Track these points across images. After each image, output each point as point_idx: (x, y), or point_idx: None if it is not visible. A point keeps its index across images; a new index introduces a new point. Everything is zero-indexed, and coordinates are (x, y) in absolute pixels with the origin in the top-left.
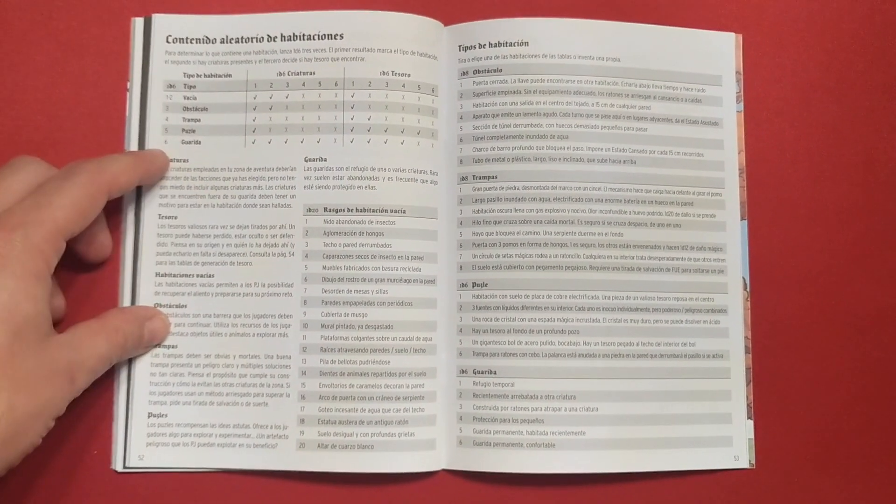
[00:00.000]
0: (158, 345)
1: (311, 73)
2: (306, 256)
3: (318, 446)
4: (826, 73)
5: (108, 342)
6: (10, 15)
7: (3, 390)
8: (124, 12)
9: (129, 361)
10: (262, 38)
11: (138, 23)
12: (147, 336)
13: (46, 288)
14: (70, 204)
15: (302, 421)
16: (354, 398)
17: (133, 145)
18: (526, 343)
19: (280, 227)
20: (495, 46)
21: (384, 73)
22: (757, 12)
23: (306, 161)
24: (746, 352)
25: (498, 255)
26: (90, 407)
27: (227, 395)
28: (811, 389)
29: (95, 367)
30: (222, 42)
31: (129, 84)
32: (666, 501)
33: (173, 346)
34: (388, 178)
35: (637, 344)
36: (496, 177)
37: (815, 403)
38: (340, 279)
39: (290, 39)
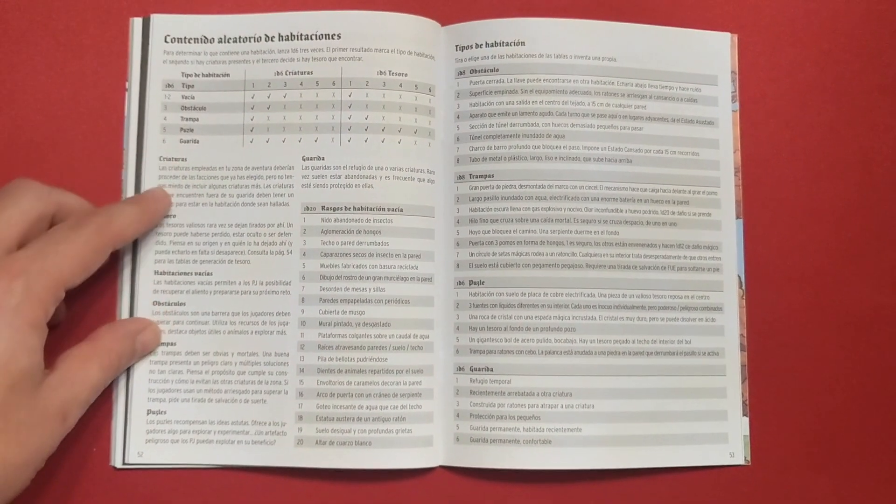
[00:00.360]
0: (150, 353)
1: (308, 73)
2: (304, 254)
3: (316, 443)
4: (822, 72)
5: (100, 368)
6: (9, 15)
7: None
8: (123, 12)
9: None
10: (260, 37)
11: (137, 23)
12: (139, 349)
13: (42, 337)
14: (75, 255)
15: (300, 418)
16: (352, 395)
17: (132, 145)
18: (522, 340)
19: (278, 226)
20: (492, 46)
21: (381, 73)
22: (753, 12)
23: (304, 160)
24: (742, 349)
25: (495, 254)
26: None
27: (226, 392)
28: (806, 387)
29: (89, 399)
30: (220, 42)
31: (127, 84)
32: (662, 498)
33: (172, 344)
34: (386, 177)
35: (633, 341)
36: (493, 175)
37: (810, 401)
38: (338, 277)
39: (288, 39)
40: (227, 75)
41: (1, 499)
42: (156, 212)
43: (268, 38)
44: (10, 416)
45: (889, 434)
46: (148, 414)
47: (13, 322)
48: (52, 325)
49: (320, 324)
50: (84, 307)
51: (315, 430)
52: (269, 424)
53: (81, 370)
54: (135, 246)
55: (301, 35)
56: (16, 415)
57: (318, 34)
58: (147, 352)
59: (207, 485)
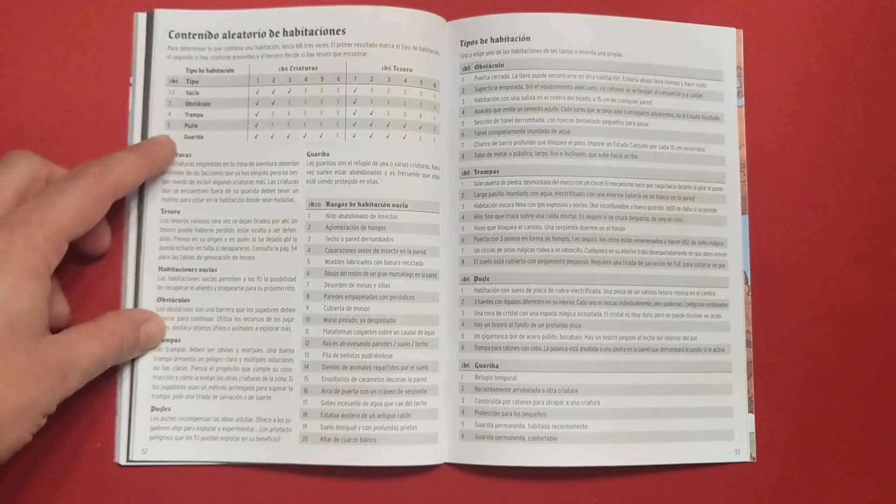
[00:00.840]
0: (154, 348)
1: (313, 69)
2: (309, 251)
3: (321, 439)
4: (826, 68)
5: (103, 344)
6: (13, 10)
7: None
8: (126, 7)
9: None
10: (265, 32)
11: (141, 18)
12: (143, 339)
13: (44, 286)
14: (74, 206)
15: (305, 414)
16: (357, 391)
17: (136, 140)
18: (528, 337)
19: (283, 222)
20: (497, 41)
21: (386, 68)
22: (758, 8)
23: (309, 156)
24: (747, 346)
25: (500, 250)
26: (93, 400)
27: (231, 388)
28: (812, 383)
29: (89, 368)
30: (224, 37)
31: (131, 79)
32: (667, 495)
33: (176, 341)
34: (391, 173)
35: (638, 338)
36: (498, 171)
37: (815, 397)
38: (343, 273)
39: (293, 34)
40: (232, 70)
41: (0, 444)
42: (159, 156)
43: (272, 34)
44: (9, 356)
45: (894, 429)
46: (152, 411)
47: (14, 269)
48: (56, 329)
49: (325, 320)
50: (89, 303)
51: (320, 426)
52: (274, 421)
53: (84, 340)
54: (139, 241)
55: (305, 30)
56: (14, 358)
57: (322, 29)
58: (151, 345)
59: (212, 482)
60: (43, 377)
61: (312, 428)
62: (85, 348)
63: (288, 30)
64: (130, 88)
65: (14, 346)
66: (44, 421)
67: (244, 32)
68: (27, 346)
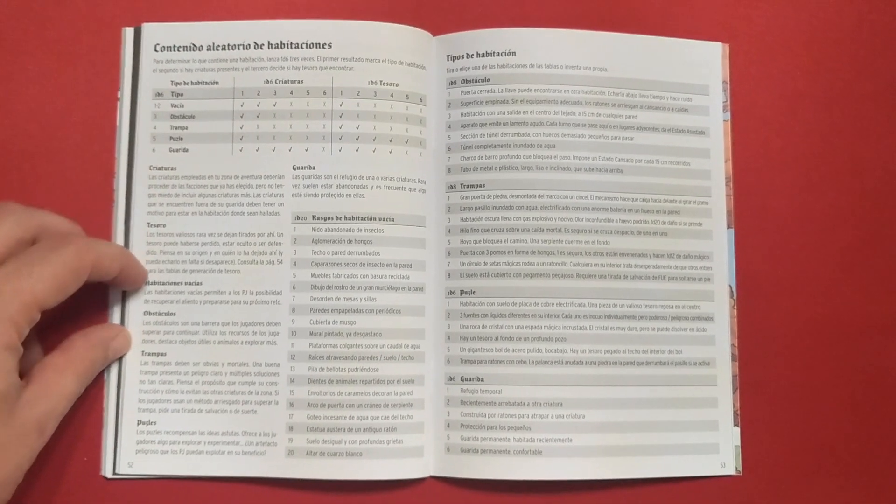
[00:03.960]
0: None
1: (299, 82)
2: (294, 264)
3: (307, 453)
4: (813, 82)
5: (75, 377)
6: (3, 25)
7: None
8: (115, 22)
9: (119, 369)
10: (249, 45)
11: (129, 32)
12: (111, 356)
13: (16, 356)
14: (51, 277)
15: (290, 428)
16: (343, 405)
17: (123, 154)
18: (513, 350)
19: (268, 235)
20: (483, 56)
21: (373, 83)
22: (744, 22)
23: (294, 169)
24: (733, 359)
25: (486, 263)
26: (79, 414)
27: (216, 402)
28: (798, 397)
29: (65, 409)
30: (209, 49)
31: (119, 93)
32: None
33: (162, 354)
34: (377, 187)
35: (624, 351)
36: (484, 185)
37: (801, 411)
38: (329, 287)
39: (278, 47)
40: (216, 83)
41: None
42: (136, 264)
43: (257, 46)
44: None
45: (881, 444)
46: (138, 424)
47: None
48: (22, 372)
49: (311, 334)
50: (75, 317)
51: (306, 440)
52: (260, 435)
53: (57, 382)
54: None
55: (291, 43)
56: None
57: (308, 43)
58: (118, 356)
59: (197, 496)
60: (22, 443)
61: (298, 442)
62: (59, 392)
63: (273, 42)
64: (118, 103)
65: None
66: (22, 478)
67: (229, 45)
68: (4, 420)
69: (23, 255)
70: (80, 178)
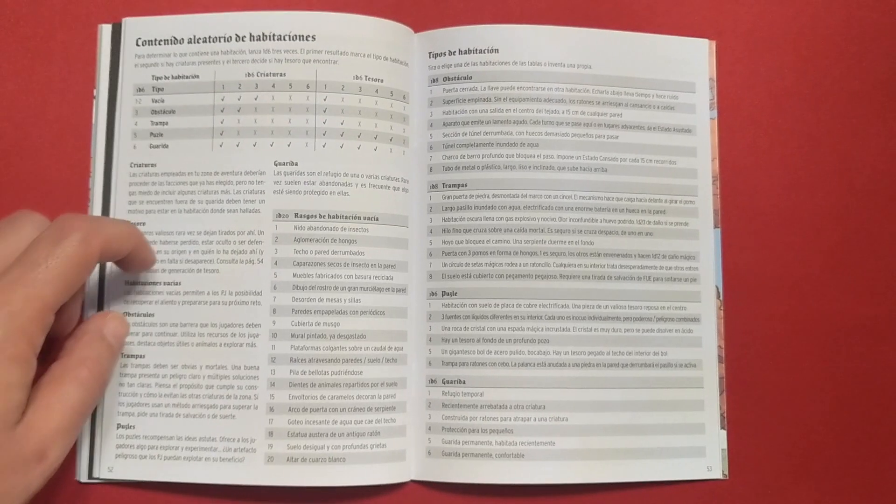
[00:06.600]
0: (122, 347)
1: (281, 75)
2: (276, 264)
3: (288, 460)
4: (800, 79)
5: (77, 383)
6: None
7: None
8: (91, 19)
9: None
10: (230, 37)
11: (105, 29)
12: (114, 343)
13: (26, 371)
14: (59, 275)
15: (270, 434)
16: (325, 410)
17: (100, 152)
18: (495, 352)
19: (248, 234)
20: (465, 53)
21: (358, 78)
22: (731, 19)
23: (276, 165)
24: (720, 361)
25: (468, 264)
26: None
27: (194, 406)
28: (785, 399)
29: (73, 423)
30: (190, 42)
31: (95, 91)
32: None
33: (141, 357)
34: (362, 185)
35: (608, 353)
36: (466, 185)
37: (788, 413)
38: (312, 287)
39: (260, 39)
40: (197, 77)
41: None
42: (146, 246)
43: (238, 38)
44: None
45: (868, 446)
46: (118, 428)
47: None
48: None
49: (292, 336)
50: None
51: (286, 446)
52: (238, 441)
53: (55, 395)
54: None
55: (273, 35)
56: None
57: (291, 35)
58: (121, 341)
59: (174, 502)
60: (18, 472)
61: (278, 448)
62: (59, 405)
63: (255, 34)
64: (94, 101)
65: None
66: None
67: (209, 37)
68: (2, 443)
69: (24, 254)
70: (54, 178)
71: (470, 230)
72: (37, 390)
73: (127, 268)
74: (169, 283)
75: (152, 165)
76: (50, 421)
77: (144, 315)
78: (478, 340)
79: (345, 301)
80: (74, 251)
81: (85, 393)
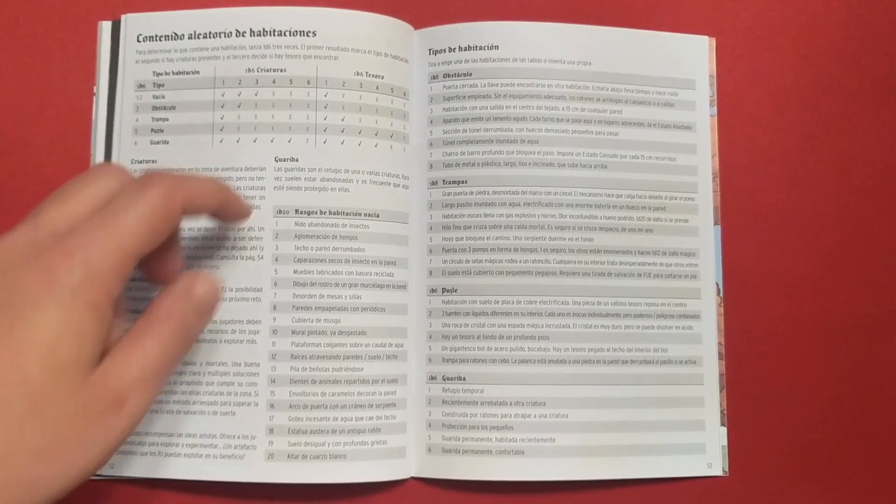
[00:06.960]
0: (212, 310)
1: (282, 70)
2: (276, 260)
3: (288, 457)
4: (800, 76)
5: (158, 338)
6: None
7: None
8: (91, 16)
9: None
10: (231, 32)
11: (105, 26)
12: (198, 303)
13: (102, 320)
14: (141, 223)
15: (271, 431)
16: (327, 406)
17: (100, 149)
18: (495, 349)
19: (248, 230)
20: (465, 50)
21: (358, 74)
22: (731, 16)
23: (277, 161)
24: (720, 358)
25: (468, 261)
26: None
27: (194, 403)
28: (785, 396)
29: (153, 377)
30: (190, 38)
31: (95, 88)
32: None
33: None
34: (362, 181)
35: (608, 350)
36: (466, 181)
37: (788, 410)
38: (312, 284)
39: (261, 35)
40: (197, 72)
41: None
42: (235, 199)
43: (239, 34)
44: (53, 415)
45: (868, 443)
46: None
47: (67, 303)
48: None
49: (293, 332)
50: None
51: (287, 443)
52: (239, 438)
53: (135, 346)
54: None
55: (274, 31)
56: (59, 412)
57: (292, 30)
58: (208, 302)
59: (174, 499)
60: (93, 421)
61: (279, 445)
62: (140, 357)
63: (255, 30)
64: (94, 97)
65: (59, 403)
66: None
67: (210, 33)
68: (73, 393)
69: (109, 203)
70: (55, 174)
71: (470, 227)
72: (118, 344)
73: (221, 220)
74: None
75: (153, 162)
76: (128, 370)
77: None
78: (478, 337)
79: (345, 297)
80: (156, 203)
81: (165, 347)
